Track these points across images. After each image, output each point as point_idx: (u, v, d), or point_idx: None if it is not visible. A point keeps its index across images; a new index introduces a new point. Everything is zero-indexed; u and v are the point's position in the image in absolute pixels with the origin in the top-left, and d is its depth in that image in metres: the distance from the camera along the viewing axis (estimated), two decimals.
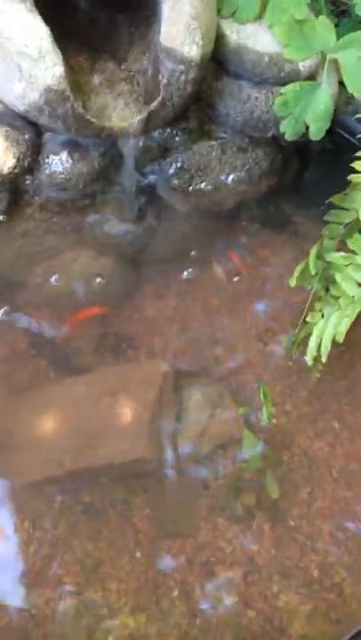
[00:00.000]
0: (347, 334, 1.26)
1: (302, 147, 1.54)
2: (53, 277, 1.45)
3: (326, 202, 1.27)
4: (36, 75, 1.11)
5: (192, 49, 1.17)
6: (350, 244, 1.19)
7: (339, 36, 1.54)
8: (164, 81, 1.19)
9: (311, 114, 1.37)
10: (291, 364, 1.40)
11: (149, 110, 1.21)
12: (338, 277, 1.21)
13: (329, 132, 1.46)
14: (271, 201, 1.60)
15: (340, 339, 1.20)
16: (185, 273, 1.52)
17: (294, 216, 1.64)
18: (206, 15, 1.18)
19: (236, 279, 1.49)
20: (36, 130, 1.27)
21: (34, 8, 1.09)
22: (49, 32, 1.09)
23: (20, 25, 1.08)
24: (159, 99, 1.21)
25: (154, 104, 1.21)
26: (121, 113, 1.24)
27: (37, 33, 1.09)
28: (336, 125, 1.58)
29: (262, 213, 1.61)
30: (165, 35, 1.16)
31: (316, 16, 1.42)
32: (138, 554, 1.22)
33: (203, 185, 1.46)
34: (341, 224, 1.26)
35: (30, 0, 1.09)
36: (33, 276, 1.45)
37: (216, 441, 1.29)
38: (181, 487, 1.28)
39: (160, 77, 1.20)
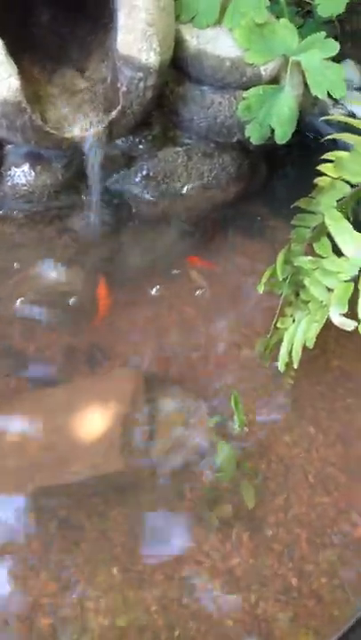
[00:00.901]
0: (320, 338, 1.24)
1: (270, 150, 1.53)
2: (22, 291, 1.43)
3: (292, 206, 1.26)
4: None
5: (150, 56, 1.16)
6: (317, 248, 1.18)
7: (303, 38, 1.55)
8: (124, 89, 1.18)
9: (276, 117, 1.36)
10: (265, 370, 1.39)
11: (110, 119, 1.20)
12: (307, 282, 1.20)
13: (296, 133, 1.45)
14: (241, 206, 1.59)
15: (311, 344, 1.19)
16: (156, 282, 1.51)
17: (265, 220, 1.64)
18: (163, 22, 1.17)
19: (199, 292, 1.48)
20: None
21: None
22: (2, 43, 1.08)
23: None
24: (119, 107, 1.19)
25: (114, 113, 1.19)
26: (81, 123, 1.22)
27: None
28: (303, 127, 1.58)
29: (232, 218, 1.60)
30: (122, 42, 1.15)
31: (278, 18, 1.41)
32: (115, 570, 1.20)
33: (170, 192, 1.44)
34: (308, 228, 1.25)
35: None
36: (2, 290, 1.44)
37: (190, 451, 1.28)
38: (157, 499, 1.26)
39: (119, 85, 1.18)
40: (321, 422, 1.37)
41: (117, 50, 1.16)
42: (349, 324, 1.08)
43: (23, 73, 1.15)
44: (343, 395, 1.41)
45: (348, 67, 1.64)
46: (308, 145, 1.61)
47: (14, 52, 1.11)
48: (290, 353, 1.22)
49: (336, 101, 1.55)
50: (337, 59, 1.62)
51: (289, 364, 1.25)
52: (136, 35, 1.14)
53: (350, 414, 1.38)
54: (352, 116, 1.52)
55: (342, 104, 1.58)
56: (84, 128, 1.22)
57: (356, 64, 1.66)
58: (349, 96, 1.59)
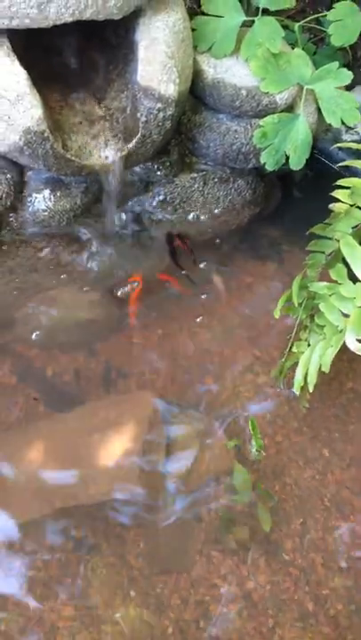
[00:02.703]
0: (334, 362, 1.26)
1: (284, 176, 1.56)
2: (41, 313, 1.45)
3: (308, 232, 1.28)
4: (15, 117, 1.12)
5: (169, 87, 1.19)
6: (333, 273, 1.20)
7: (317, 64, 1.57)
8: (143, 119, 1.21)
9: (291, 144, 1.39)
10: (280, 393, 1.40)
11: (129, 148, 1.22)
12: (322, 307, 1.21)
13: (310, 159, 1.48)
14: (256, 229, 1.62)
15: (326, 369, 1.20)
16: (172, 304, 1.53)
17: (279, 243, 1.66)
18: (182, 53, 1.20)
19: (213, 315, 1.50)
20: (19, 169, 1.28)
21: (11, 52, 1.10)
22: (26, 75, 1.11)
23: None
24: (138, 136, 1.22)
25: (133, 141, 1.22)
26: (101, 151, 1.24)
27: (15, 76, 1.10)
28: (317, 153, 1.60)
29: (247, 241, 1.62)
30: (142, 74, 1.18)
31: (293, 47, 1.44)
32: (132, 593, 1.21)
33: (186, 216, 1.47)
34: (324, 253, 1.27)
35: (7, 44, 1.10)
36: (20, 313, 1.46)
37: (207, 474, 1.29)
38: (174, 521, 1.27)
39: (139, 115, 1.21)
40: (335, 445, 1.38)
41: (137, 81, 1.19)
42: None
43: (45, 102, 1.18)
44: (357, 417, 1.41)
45: (360, 93, 1.66)
46: (321, 170, 1.63)
47: (37, 82, 1.14)
48: (305, 377, 1.23)
49: (349, 128, 1.57)
50: (349, 85, 1.65)
51: (304, 388, 1.26)
52: (156, 67, 1.17)
53: None
54: None
55: (355, 130, 1.61)
56: (103, 156, 1.24)
57: None
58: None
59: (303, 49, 1.56)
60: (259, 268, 1.63)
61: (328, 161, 1.59)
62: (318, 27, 1.63)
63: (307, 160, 1.44)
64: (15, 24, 1.06)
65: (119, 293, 1.47)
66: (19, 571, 1.21)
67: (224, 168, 1.45)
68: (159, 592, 1.21)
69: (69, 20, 1.08)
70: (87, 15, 1.08)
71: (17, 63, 1.10)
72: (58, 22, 1.07)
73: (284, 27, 1.53)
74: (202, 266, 1.56)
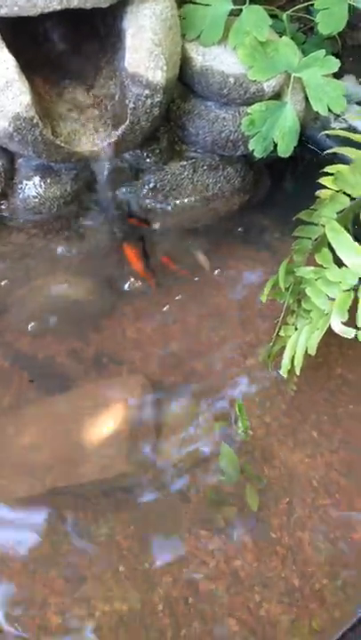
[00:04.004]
0: (323, 346, 1.28)
1: (272, 163, 1.57)
2: (33, 299, 1.47)
3: (294, 218, 1.30)
4: (4, 103, 1.14)
5: (156, 74, 1.21)
6: (319, 258, 1.22)
7: (306, 53, 1.59)
8: (131, 105, 1.23)
9: (278, 132, 1.41)
10: (269, 376, 1.43)
11: (118, 134, 1.24)
12: (308, 291, 1.23)
13: (299, 146, 1.49)
14: (246, 216, 1.64)
15: (313, 352, 1.22)
16: (163, 290, 1.55)
17: (269, 230, 1.68)
18: (170, 41, 1.21)
19: (204, 299, 1.52)
20: (9, 156, 1.30)
21: (0, 41, 1.12)
22: (15, 62, 1.13)
23: None
24: (127, 123, 1.24)
25: (122, 128, 1.24)
26: (91, 137, 1.26)
27: (3, 63, 1.12)
28: (305, 140, 1.62)
29: (237, 228, 1.64)
30: (130, 61, 1.20)
31: (281, 35, 1.46)
32: (121, 569, 1.24)
33: (176, 203, 1.49)
34: (310, 239, 1.29)
35: None
36: (13, 299, 1.48)
37: (195, 455, 1.31)
38: (163, 501, 1.29)
39: (127, 102, 1.23)
40: (324, 428, 1.40)
41: (125, 68, 1.21)
42: (350, 332, 1.11)
43: (35, 89, 1.20)
44: (346, 401, 1.44)
45: (349, 81, 1.68)
46: (309, 157, 1.65)
47: (26, 69, 1.16)
48: (292, 360, 1.26)
49: (337, 115, 1.59)
50: (338, 73, 1.67)
51: (291, 371, 1.28)
52: (143, 54, 1.19)
53: (353, 420, 1.41)
54: (353, 129, 1.55)
55: (343, 118, 1.62)
56: (93, 142, 1.26)
57: (356, 79, 1.70)
58: (350, 110, 1.63)
59: (292, 38, 1.58)
60: (248, 254, 1.65)
61: (317, 148, 1.61)
62: (307, 16, 1.65)
63: (295, 147, 1.46)
64: (4, 12, 1.08)
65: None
66: (10, 547, 1.24)
67: (213, 155, 1.47)
68: (148, 570, 1.24)
69: (57, 7, 1.09)
70: (75, 3, 1.10)
71: (5, 50, 1.11)
72: (46, 10, 1.09)
73: (274, 16, 1.55)
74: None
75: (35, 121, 1.15)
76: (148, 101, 1.23)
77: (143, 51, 1.18)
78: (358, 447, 1.38)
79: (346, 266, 1.16)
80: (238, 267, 1.63)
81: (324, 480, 1.33)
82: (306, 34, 1.73)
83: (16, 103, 1.13)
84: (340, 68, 1.70)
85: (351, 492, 1.33)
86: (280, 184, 1.67)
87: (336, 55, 1.76)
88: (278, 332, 1.33)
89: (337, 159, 1.45)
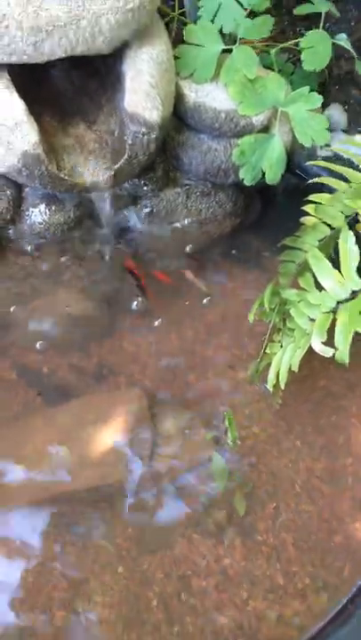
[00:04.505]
0: (309, 361, 1.39)
1: (262, 189, 1.68)
2: (38, 316, 1.58)
3: (280, 244, 1.41)
4: (14, 142, 1.25)
5: (153, 113, 1.31)
6: (302, 282, 1.33)
7: (294, 83, 1.70)
8: (129, 141, 1.33)
9: (267, 162, 1.51)
10: (257, 389, 1.53)
11: (117, 167, 1.35)
12: (292, 312, 1.34)
13: (287, 172, 1.60)
14: (237, 238, 1.74)
15: (296, 368, 1.33)
16: (159, 307, 1.66)
17: (259, 251, 1.78)
18: (165, 82, 1.32)
19: (199, 317, 1.62)
20: (17, 186, 1.41)
21: (10, 84, 1.23)
22: (24, 105, 1.23)
23: None
24: (125, 157, 1.34)
25: (121, 162, 1.35)
26: (92, 170, 1.37)
27: (13, 106, 1.23)
28: (294, 167, 1.72)
29: (229, 250, 1.74)
30: (129, 101, 1.31)
31: (270, 68, 1.57)
32: (120, 569, 1.34)
33: (171, 227, 1.59)
34: (294, 263, 1.40)
35: (7, 77, 1.23)
36: (19, 316, 1.59)
37: (188, 463, 1.42)
38: (159, 506, 1.40)
39: (125, 138, 1.34)
40: (307, 437, 1.51)
41: (124, 108, 1.31)
42: (328, 352, 1.22)
43: (40, 126, 1.31)
44: (328, 412, 1.54)
45: (336, 110, 1.78)
46: (298, 183, 1.75)
47: (33, 106, 1.27)
48: (277, 375, 1.36)
49: (327, 145, 1.69)
50: (325, 102, 1.78)
51: (277, 385, 1.39)
52: (141, 95, 1.29)
53: (334, 430, 1.52)
54: (338, 156, 1.65)
55: (329, 145, 1.73)
56: (94, 174, 1.37)
57: (342, 107, 1.81)
58: (336, 137, 1.74)
59: (282, 70, 1.69)
60: (241, 274, 1.75)
61: (304, 175, 1.71)
62: (296, 47, 1.75)
63: (283, 174, 1.57)
64: (14, 60, 1.19)
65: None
66: (17, 548, 1.35)
67: (206, 183, 1.57)
68: (145, 569, 1.34)
69: (62, 55, 1.20)
70: (78, 51, 1.21)
71: (15, 95, 1.22)
72: (52, 58, 1.20)
73: (265, 50, 1.66)
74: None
75: (41, 158, 1.26)
76: (145, 138, 1.34)
77: (141, 92, 1.29)
78: (339, 455, 1.48)
79: (325, 290, 1.27)
80: (230, 284, 1.73)
81: (307, 486, 1.44)
82: (295, 64, 1.83)
83: (24, 142, 1.24)
84: (327, 96, 1.82)
85: (332, 497, 1.43)
86: (270, 207, 1.77)
87: (323, 84, 1.88)
88: (265, 349, 1.43)
89: (324, 187, 1.55)
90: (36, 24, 1.14)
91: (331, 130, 1.74)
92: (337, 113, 1.78)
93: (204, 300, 1.66)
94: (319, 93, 1.77)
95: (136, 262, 1.64)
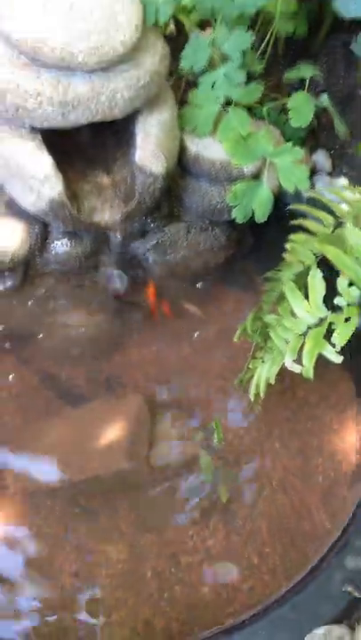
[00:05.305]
0: (290, 374, 1.60)
1: (254, 225, 1.93)
2: (57, 331, 1.86)
3: (262, 277, 1.67)
4: (43, 191, 1.52)
5: (158, 166, 1.58)
6: (280, 309, 1.57)
7: (286, 133, 1.95)
8: (139, 189, 1.60)
9: (256, 203, 1.76)
10: (243, 398, 1.79)
11: (127, 210, 1.62)
12: (272, 334, 1.59)
13: (276, 210, 1.84)
14: (232, 266, 1.97)
15: (272, 381, 1.56)
16: (162, 324, 1.92)
17: (252, 276, 2.02)
18: (169, 142, 1.59)
19: (196, 334, 1.88)
20: (44, 224, 1.68)
21: (42, 145, 1.50)
22: (52, 161, 1.50)
23: (31, 157, 1.50)
24: (135, 201, 1.61)
25: (131, 205, 1.62)
26: (107, 212, 1.64)
27: (43, 163, 1.50)
28: (283, 206, 1.97)
29: (225, 276, 1.98)
30: (138, 157, 1.57)
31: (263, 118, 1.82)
32: (121, 546, 1.60)
33: (174, 257, 1.86)
34: (275, 292, 1.65)
35: (39, 138, 1.50)
36: (41, 331, 1.86)
37: (181, 458, 1.68)
38: (155, 494, 1.66)
39: (135, 187, 1.61)
40: (285, 440, 1.75)
41: (135, 162, 1.58)
42: (297, 368, 1.46)
43: (65, 175, 1.58)
44: (304, 419, 1.78)
45: (321, 154, 2.03)
46: (286, 218, 2.00)
47: (60, 158, 1.54)
48: (258, 387, 1.62)
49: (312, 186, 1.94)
50: (313, 147, 2.04)
51: (257, 395, 1.64)
52: (148, 153, 1.56)
53: (309, 435, 1.76)
54: (322, 197, 1.90)
55: (314, 186, 1.98)
56: (108, 215, 1.64)
57: (328, 152, 2.05)
58: (321, 180, 1.98)
59: (275, 122, 1.94)
60: (235, 297, 1.99)
61: (292, 213, 1.96)
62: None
63: (271, 213, 1.82)
64: (46, 125, 1.46)
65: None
66: (36, 523, 1.61)
67: (204, 219, 1.83)
68: (142, 546, 1.60)
69: (84, 122, 1.47)
70: (97, 118, 1.48)
71: (45, 153, 1.49)
72: (76, 124, 1.47)
73: (260, 103, 1.91)
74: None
75: (65, 203, 1.53)
76: (152, 186, 1.61)
77: (149, 150, 1.56)
78: (312, 456, 1.72)
79: (298, 317, 1.51)
80: (226, 307, 1.99)
81: (283, 481, 1.68)
82: (286, 115, 2.08)
83: (52, 191, 1.51)
84: (315, 142, 2.07)
85: (304, 492, 1.67)
86: (261, 241, 2.01)
87: (313, 130, 2.12)
88: (248, 364, 1.69)
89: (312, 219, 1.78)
90: (64, 100, 1.41)
91: (317, 172, 2.01)
92: (322, 158, 2.02)
93: (200, 321, 1.93)
94: (308, 140, 2.05)
95: (154, 288, 1.91)
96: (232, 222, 1.85)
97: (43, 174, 1.50)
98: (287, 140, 1.87)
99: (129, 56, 1.44)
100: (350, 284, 1.40)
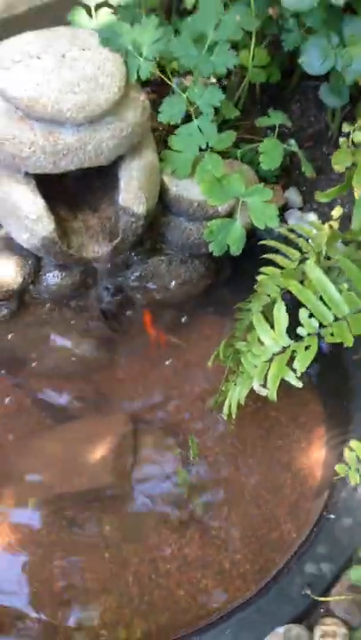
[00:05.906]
0: (263, 396, 1.76)
1: (230, 257, 2.10)
2: (50, 354, 2.02)
3: (234, 307, 1.83)
4: (35, 230, 1.69)
5: (140, 207, 1.75)
6: (249, 337, 1.73)
7: (260, 171, 2.12)
8: (122, 227, 1.77)
9: (230, 239, 1.92)
10: (219, 417, 1.94)
11: (112, 246, 1.79)
12: (242, 359, 1.75)
13: (250, 244, 2.01)
14: (210, 295, 2.13)
15: (242, 402, 1.72)
16: (145, 348, 2.08)
17: (230, 303, 2.18)
18: (150, 185, 1.76)
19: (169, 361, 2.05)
20: (37, 257, 1.85)
21: (35, 188, 1.67)
22: (44, 203, 1.67)
23: (25, 199, 1.67)
24: (119, 238, 1.78)
25: (115, 242, 1.78)
26: (94, 247, 1.81)
27: (36, 204, 1.67)
28: (256, 240, 2.14)
29: (204, 304, 2.15)
30: (122, 199, 1.74)
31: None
32: (106, 554, 1.75)
33: (156, 287, 2.02)
34: (245, 321, 1.82)
35: (33, 183, 1.67)
36: (34, 354, 2.02)
37: (160, 472, 1.83)
38: (137, 506, 1.81)
39: (119, 225, 1.78)
40: (257, 456, 1.89)
41: (119, 202, 1.75)
42: (263, 391, 1.62)
43: (56, 214, 1.75)
44: (276, 437, 1.92)
45: (293, 192, 2.20)
46: (260, 251, 2.17)
47: (51, 200, 1.71)
48: (230, 407, 1.77)
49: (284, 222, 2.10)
50: (286, 185, 2.21)
51: (230, 415, 1.80)
52: (131, 195, 1.73)
53: (280, 452, 1.90)
54: (292, 231, 2.07)
55: (287, 221, 2.15)
56: (95, 251, 1.81)
57: (298, 189, 2.22)
58: (292, 215, 2.15)
59: (251, 161, 2.11)
60: (215, 323, 2.16)
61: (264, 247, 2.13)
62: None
63: (245, 247, 1.99)
64: (38, 171, 1.63)
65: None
66: (25, 535, 1.75)
67: (184, 252, 1.99)
68: (124, 554, 1.73)
69: (73, 168, 1.64)
70: (85, 165, 1.65)
71: (38, 196, 1.66)
72: (66, 170, 1.64)
73: (236, 145, 2.09)
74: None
75: (55, 240, 1.70)
76: (134, 225, 1.77)
77: (131, 193, 1.73)
78: (282, 472, 1.87)
79: (265, 345, 1.67)
80: (207, 332, 2.15)
81: (253, 494, 1.82)
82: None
83: (44, 230, 1.68)
84: (288, 179, 2.24)
85: (273, 504, 1.80)
86: (237, 272, 2.16)
87: (286, 169, 2.28)
88: (222, 386, 1.85)
89: (281, 254, 1.94)
90: (55, 149, 1.58)
91: (288, 208, 2.18)
92: (294, 195, 2.19)
93: (181, 347, 2.09)
94: (282, 178, 2.21)
95: (150, 317, 2.07)
96: (210, 255, 2.02)
97: (36, 215, 1.66)
98: (261, 179, 2.06)
99: (113, 111, 1.62)
100: (311, 316, 1.55)
